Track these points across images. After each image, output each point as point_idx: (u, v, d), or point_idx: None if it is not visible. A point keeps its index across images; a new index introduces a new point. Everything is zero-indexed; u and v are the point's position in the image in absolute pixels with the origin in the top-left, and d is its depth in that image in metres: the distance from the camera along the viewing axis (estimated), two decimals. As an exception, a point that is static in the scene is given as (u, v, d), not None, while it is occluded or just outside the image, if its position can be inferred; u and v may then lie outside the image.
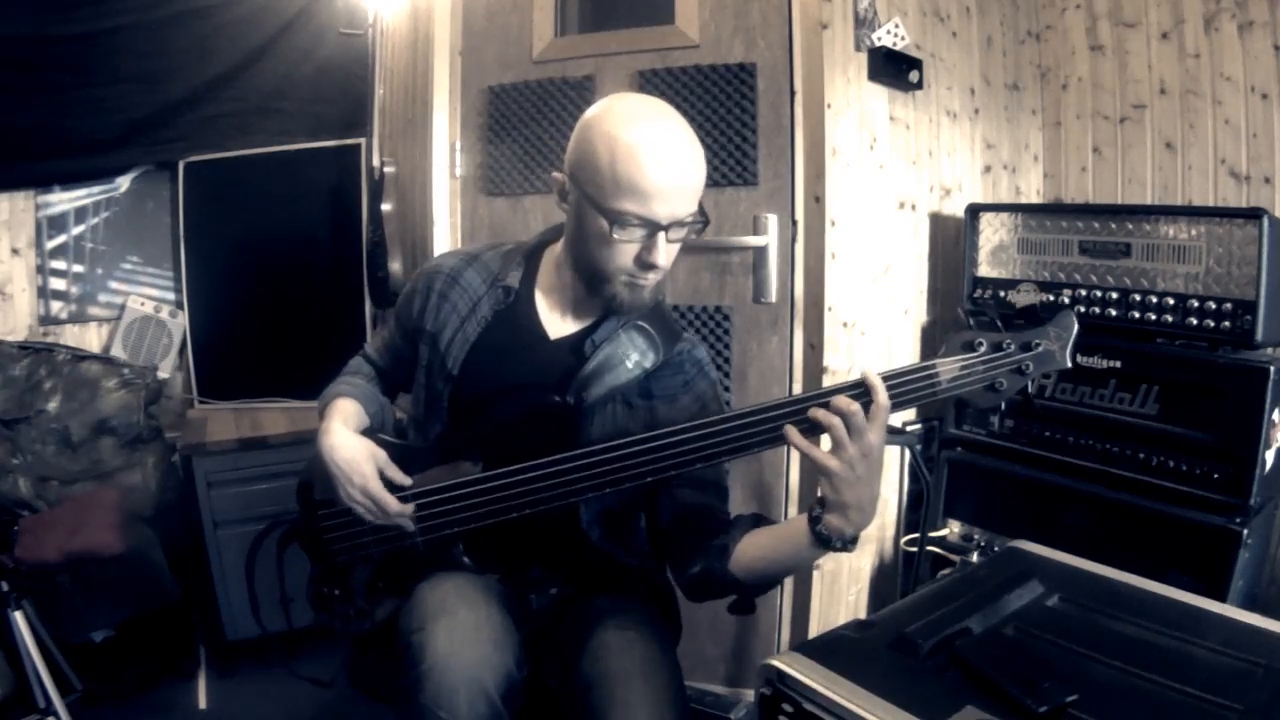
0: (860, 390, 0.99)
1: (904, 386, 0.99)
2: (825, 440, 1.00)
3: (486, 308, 1.26)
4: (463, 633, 1.07)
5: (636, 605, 1.26)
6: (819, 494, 1.03)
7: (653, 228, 1.09)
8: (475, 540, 1.22)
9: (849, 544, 1.03)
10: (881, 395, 0.96)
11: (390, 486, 1.20)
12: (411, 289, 1.35)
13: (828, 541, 1.03)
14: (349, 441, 1.21)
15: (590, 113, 1.13)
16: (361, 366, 1.43)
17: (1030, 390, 0.98)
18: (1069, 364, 0.98)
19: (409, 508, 1.18)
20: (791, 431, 0.99)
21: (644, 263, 1.12)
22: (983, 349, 0.98)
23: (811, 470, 1.93)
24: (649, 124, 1.07)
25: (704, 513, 1.21)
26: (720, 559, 1.15)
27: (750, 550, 1.14)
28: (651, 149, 1.06)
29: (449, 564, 1.22)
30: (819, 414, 0.97)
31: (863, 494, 0.99)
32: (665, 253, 1.11)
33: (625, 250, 1.11)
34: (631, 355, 1.21)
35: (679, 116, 1.12)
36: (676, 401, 1.24)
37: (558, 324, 1.26)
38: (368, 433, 1.28)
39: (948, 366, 0.98)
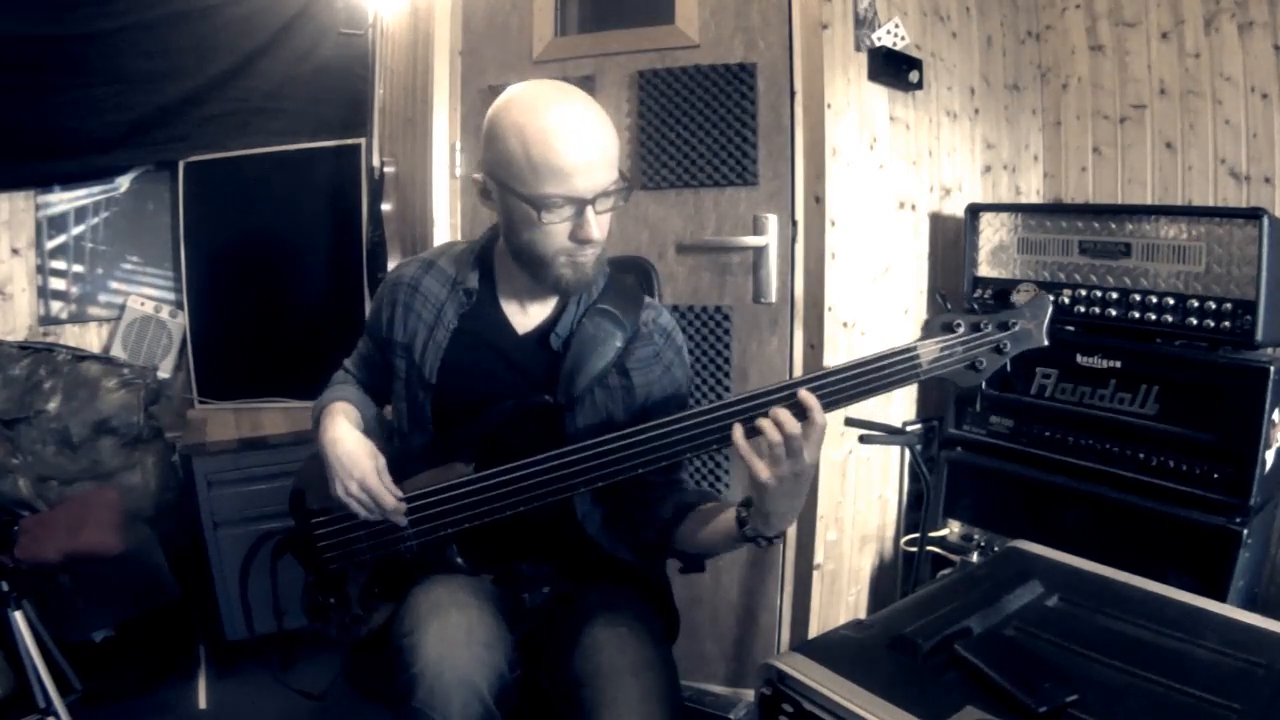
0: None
1: (887, 369, 1.00)
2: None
3: (451, 313, 1.27)
4: (454, 635, 1.07)
5: (630, 602, 1.26)
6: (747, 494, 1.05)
7: (579, 204, 1.10)
8: (468, 540, 1.22)
9: (771, 540, 1.07)
10: (818, 416, 0.97)
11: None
12: (377, 303, 1.35)
13: (752, 539, 1.07)
14: (351, 437, 1.22)
15: (494, 108, 1.14)
16: (347, 379, 1.43)
17: (1008, 370, 1.02)
18: (1046, 341, 1.01)
19: (403, 505, 1.19)
20: (737, 433, 1.00)
21: (578, 239, 1.13)
22: (961, 330, 1.01)
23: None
24: (553, 105, 1.09)
25: (661, 489, 1.23)
26: (668, 535, 1.20)
27: (692, 528, 1.18)
28: (561, 128, 1.07)
29: (443, 566, 1.23)
30: (764, 424, 0.98)
31: (786, 506, 1.02)
32: (597, 225, 1.13)
33: (558, 231, 1.12)
34: (603, 339, 1.22)
35: (580, 92, 1.13)
36: (649, 373, 1.26)
37: (522, 318, 1.27)
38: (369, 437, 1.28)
39: (928, 348, 1.01)
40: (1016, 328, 1.00)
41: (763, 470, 0.98)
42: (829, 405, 1.00)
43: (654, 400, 1.26)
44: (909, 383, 1.02)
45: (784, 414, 0.97)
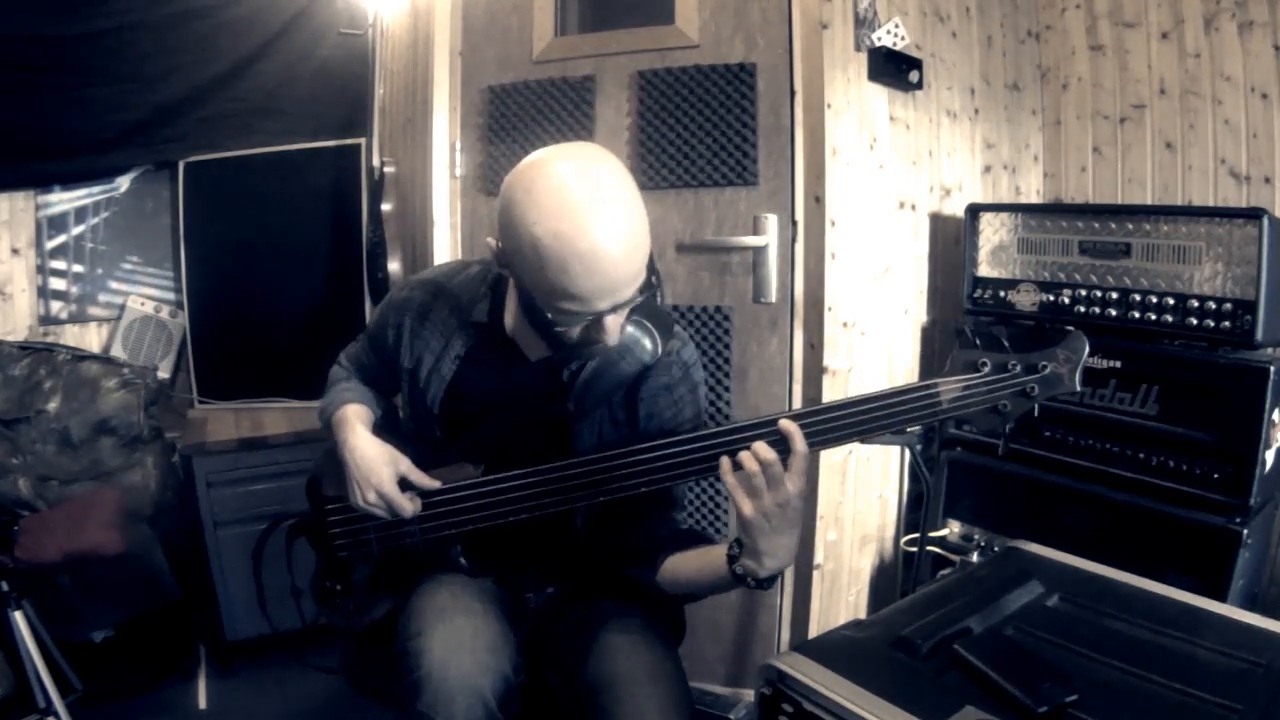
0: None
1: (904, 405, 0.96)
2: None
3: (459, 345, 1.24)
4: (459, 639, 1.07)
5: (639, 606, 1.26)
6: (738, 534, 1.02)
7: (595, 316, 1.02)
8: (472, 542, 1.22)
9: (763, 584, 1.03)
10: (799, 443, 0.95)
11: (411, 488, 1.20)
12: (382, 321, 1.31)
13: (742, 580, 1.03)
14: (369, 445, 1.22)
15: (511, 190, 1.00)
16: (351, 376, 1.42)
17: (1035, 414, 0.95)
18: (1078, 387, 0.94)
19: (419, 507, 1.18)
20: (725, 465, 0.97)
21: (591, 340, 1.06)
22: (986, 369, 0.95)
23: (811, 467, 1.94)
24: (574, 219, 0.95)
25: (651, 521, 1.20)
26: (649, 569, 1.17)
27: (678, 568, 1.15)
28: (582, 254, 0.95)
29: (446, 565, 1.23)
30: (743, 457, 0.95)
31: (776, 543, 0.98)
32: (612, 330, 1.04)
33: (570, 332, 1.06)
34: (629, 347, 1.17)
35: (612, 182, 0.99)
36: (655, 404, 1.21)
37: (535, 347, 1.21)
38: (384, 434, 1.28)
39: (949, 387, 0.95)
40: (1047, 370, 0.94)
41: (745, 504, 0.96)
42: (844, 438, 0.98)
43: (650, 435, 1.18)
44: (927, 421, 0.97)
45: (761, 445, 0.94)
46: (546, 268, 0.97)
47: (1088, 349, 0.95)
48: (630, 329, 1.17)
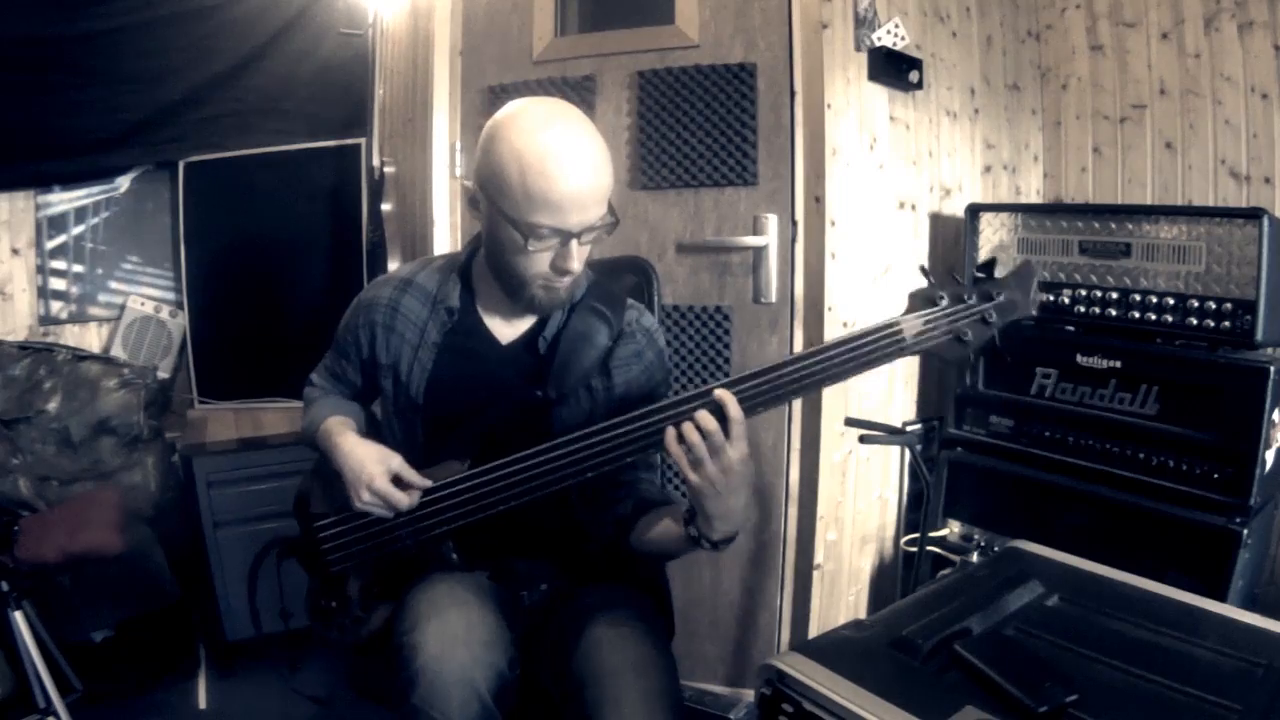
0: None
1: (873, 345, 1.01)
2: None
3: (434, 332, 1.28)
4: (454, 633, 1.07)
5: (628, 600, 1.26)
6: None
7: (565, 236, 1.11)
8: (465, 537, 1.22)
9: (718, 545, 1.08)
10: (733, 410, 0.99)
11: (404, 486, 1.21)
12: (352, 322, 1.35)
13: (697, 542, 1.08)
14: (358, 447, 1.24)
15: (495, 123, 1.13)
16: (326, 393, 1.43)
17: (997, 342, 1.01)
18: (1034, 311, 1.01)
19: (416, 499, 1.19)
20: (670, 436, 1.01)
21: (559, 269, 1.14)
22: (944, 303, 1.01)
23: (811, 467, 1.94)
24: (554, 134, 1.08)
25: (627, 486, 1.25)
26: (623, 531, 1.22)
27: (645, 529, 1.20)
28: (560, 160, 1.07)
29: (439, 564, 1.23)
30: (685, 427, 0.99)
31: (725, 505, 1.02)
32: (578, 257, 1.14)
33: (540, 259, 1.14)
34: (592, 335, 1.24)
35: (583, 119, 1.13)
36: (629, 371, 1.27)
37: (505, 329, 1.29)
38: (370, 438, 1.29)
39: (911, 323, 1.00)
40: (1001, 298, 1.01)
41: (689, 472, 1.00)
42: (826, 381, 1.02)
43: (631, 400, 1.26)
44: (895, 358, 1.02)
45: (703, 414, 0.99)
46: (527, 172, 1.07)
47: (1037, 274, 1.02)
48: (587, 318, 1.25)
